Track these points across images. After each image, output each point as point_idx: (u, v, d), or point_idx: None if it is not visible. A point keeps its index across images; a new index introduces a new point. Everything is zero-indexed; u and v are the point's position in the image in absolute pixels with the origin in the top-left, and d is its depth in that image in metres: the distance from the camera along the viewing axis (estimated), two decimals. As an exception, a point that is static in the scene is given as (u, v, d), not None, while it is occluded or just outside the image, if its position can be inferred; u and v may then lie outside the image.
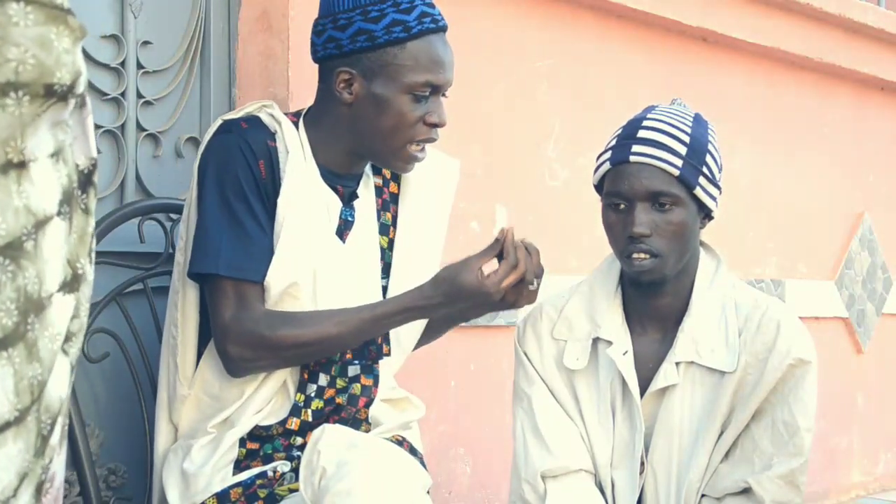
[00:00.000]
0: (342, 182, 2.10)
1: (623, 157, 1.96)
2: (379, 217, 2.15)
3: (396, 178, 2.19)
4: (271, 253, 1.98)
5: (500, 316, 3.08)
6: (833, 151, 4.39)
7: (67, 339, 1.45)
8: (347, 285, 2.06)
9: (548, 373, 2.06)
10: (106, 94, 2.34)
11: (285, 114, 2.10)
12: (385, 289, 2.14)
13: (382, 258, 2.14)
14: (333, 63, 2.03)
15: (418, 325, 2.19)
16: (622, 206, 1.96)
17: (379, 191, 2.16)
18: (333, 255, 2.05)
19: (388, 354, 2.14)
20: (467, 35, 3.06)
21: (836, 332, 4.44)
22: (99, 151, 2.32)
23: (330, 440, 1.87)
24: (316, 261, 2.02)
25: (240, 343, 1.96)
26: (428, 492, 1.99)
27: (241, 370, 2.00)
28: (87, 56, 2.31)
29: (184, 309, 2.05)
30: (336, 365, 2.07)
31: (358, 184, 2.13)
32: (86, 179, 1.48)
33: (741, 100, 3.96)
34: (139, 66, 2.39)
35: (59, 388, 1.43)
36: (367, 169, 2.15)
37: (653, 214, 1.94)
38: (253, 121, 2.03)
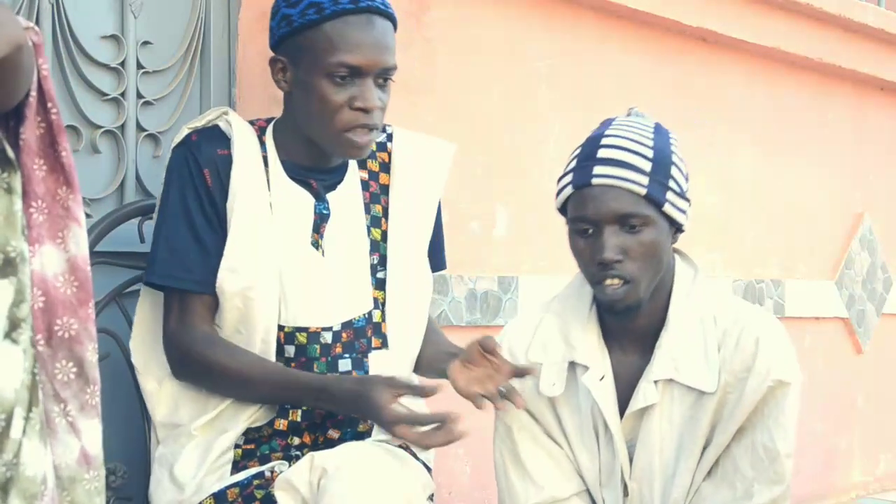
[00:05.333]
0: (315, 176, 2.08)
1: (585, 179, 1.87)
2: (369, 210, 2.12)
3: (386, 169, 2.16)
4: (215, 263, 1.99)
5: (501, 316, 3.07)
6: (833, 151, 4.39)
7: (15, 326, 1.39)
8: (324, 280, 2.04)
9: (527, 394, 1.96)
10: (106, 94, 2.33)
11: (265, 119, 2.12)
12: (383, 281, 2.10)
13: (377, 251, 2.11)
14: (275, 53, 2.06)
15: (420, 320, 2.16)
16: (589, 230, 1.87)
17: (365, 184, 2.13)
18: (301, 254, 2.03)
19: (381, 348, 2.08)
20: (467, 35, 3.06)
21: (836, 332, 4.44)
22: (99, 151, 2.33)
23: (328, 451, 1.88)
24: (281, 262, 2.01)
25: (175, 355, 2.03)
26: (432, 496, 1.98)
27: (180, 378, 2.05)
28: (87, 56, 2.31)
29: (141, 310, 2.10)
30: (319, 362, 2.03)
31: (338, 175, 2.11)
32: (2, 156, 1.40)
33: (741, 100, 3.96)
34: (139, 66, 2.39)
35: (8, 379, 1.37)
36: (353, 162, 2.13)
37: (622, 237, 1.84)
38: (207, 131, 2.05)
